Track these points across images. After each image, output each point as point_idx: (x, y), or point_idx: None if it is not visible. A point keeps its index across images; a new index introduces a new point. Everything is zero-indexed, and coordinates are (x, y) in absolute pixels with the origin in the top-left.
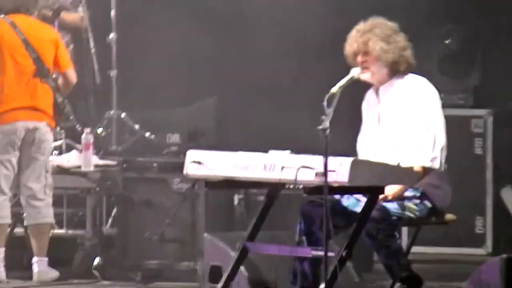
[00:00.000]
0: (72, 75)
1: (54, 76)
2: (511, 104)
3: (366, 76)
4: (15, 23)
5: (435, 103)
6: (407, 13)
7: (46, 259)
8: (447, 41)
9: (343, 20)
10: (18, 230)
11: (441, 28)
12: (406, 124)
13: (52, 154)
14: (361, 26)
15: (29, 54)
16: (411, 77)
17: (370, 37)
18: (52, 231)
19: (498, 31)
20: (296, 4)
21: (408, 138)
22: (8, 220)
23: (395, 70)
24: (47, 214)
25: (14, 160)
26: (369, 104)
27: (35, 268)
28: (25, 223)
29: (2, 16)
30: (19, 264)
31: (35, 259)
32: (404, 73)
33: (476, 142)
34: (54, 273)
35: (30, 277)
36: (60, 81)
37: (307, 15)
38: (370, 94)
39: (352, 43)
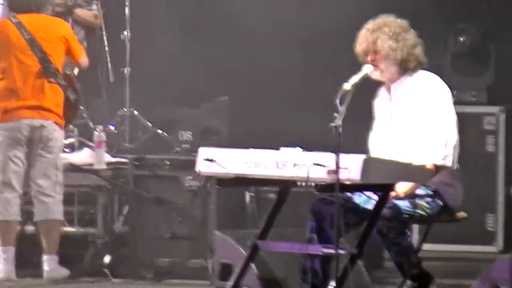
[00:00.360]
0: (85, 60)
1: (67, 72)
2: None
3: (376, 75)
4: (22, 23)
5: (446, 100)
6: (420, 10)
7: (56, 257)
8: (460, 38)
9: (352, 17)
10: (29, 228)
11: (454, 26)
12: (417, 121)
13: (62, 152)
14: (370, 24)
15: (34, 54)
16: (422, 74)
17: (379, 36)
18: (62, 228)
19: (511, 28)
20: (303, 2)
21: (420, 136)
22: (18, 217)
23: (405, 67)
24: (56, 211)
25: (22, 156)
26: (381, 101)
27: (45, 266)
28: (34, 219)
29: (10, 16)
30: (29, 262)
31: (45, 257)
32: (414, 70)
33: (488, 140)
34: (65, 271)
35: (40, 275)
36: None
37: (315, 13)
38: (382, 91)
39: (361, 42)
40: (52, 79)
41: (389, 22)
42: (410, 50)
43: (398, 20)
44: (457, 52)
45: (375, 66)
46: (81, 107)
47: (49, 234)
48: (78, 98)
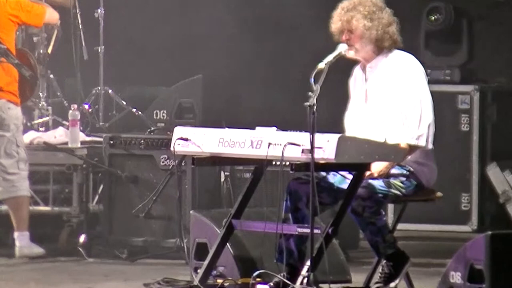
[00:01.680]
0: (52, 15)
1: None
2: (498, 80)
3: (351, 54)
4: None
5: (421, 80)
6: None
7: (27, 233)
8: (433, 17)
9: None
10: (3, 208)
11: (427, 5)
12: (392, 101)
13: (19, 129)
14: (345, 3)
15: None
16: (397, 54)
17: (353, 15)
18: (30, 204)
19: (485, 7)
20: None
21: (394, 116)
22: None
23: (380, 46)
24: (22, 187)
25: None
26: (356, 81)
27: (17, 243)
28: (0, 198)
29: None
30: (3, 242)
31: (16, 234)
32: (390, 49)
33: (462, 119)
34: (38, 249)
35: (14, 255)
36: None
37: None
38: (357, 71)
39: (336, 21)
40: (3, 59)
41: (364, 1)
42: (385, 28)
43: None
44: (431, 31)
45: (350, 45)
46: (38, 82)
47: (17, 211)
48: (33, 74)
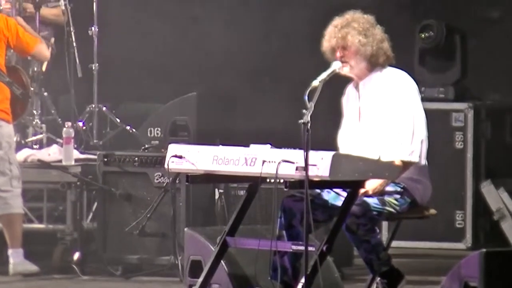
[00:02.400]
0: (42, 51)
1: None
2: (492, 98)
3: (345, 70)
4: None
5: (413, 96)
6: (386, 7)
7: (21, 250)
8: (424, 35)
9: (319, 14)
10: None
11: (420, 22)
12: (385, 118)
13: (11, 147)
14: (338, 21)
15: None
16: (390, 71)
17: (348, 31)
18: (23, 222)
19: (478, 24)
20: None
21: (387, 132)
22: None
23: (374, 63)
24: (15, 204)
25: None
26: (349, 99)
27: (11, 260)
28: None
29: None
30: None
31: (10, 251)
32: (383, 65)
33: (456, 136)
34: (32, 267)
35: (7, 273)
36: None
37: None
38: (350, 89)
39: (330, 38)
40: None
41: (357, 17)
42: (379, 44)
43: (365, 15)
44: (425, 48)
45: (345, 62)
46: (30, 100)
47: (11, 228)
48: (24, 92)
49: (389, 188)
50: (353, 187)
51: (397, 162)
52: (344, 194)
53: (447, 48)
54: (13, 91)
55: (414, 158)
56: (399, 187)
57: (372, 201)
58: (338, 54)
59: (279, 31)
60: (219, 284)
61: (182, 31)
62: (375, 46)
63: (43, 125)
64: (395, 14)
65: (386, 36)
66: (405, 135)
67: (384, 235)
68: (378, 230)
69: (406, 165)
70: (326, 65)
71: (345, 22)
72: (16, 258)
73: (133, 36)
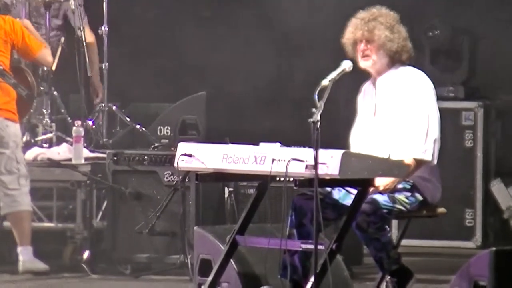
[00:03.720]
0: (46, 57)
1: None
2: (502, 97)
3: (367, 64)
4: None
5: (429, 96)
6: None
7: (30, 248)
8: (430, 34)
9: (327, 15)
10: (6, 224)
11: (428, 22)
12: (401, 115)
13: (18, 146)
14: (363, 14)
15: None
16: (408, 69)
17: (376, 25)
18: (32, 220)
19: (489, 24)
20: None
21: (401, 129)
22: None
23: (397, 59)
24: (23, 202)
25: None
26: (366, 95)
27: (20, 257)
28: (1, 213)
29: None
30: (7, 259)
31: (19, 249)
32: (405, 63)
33: (466, 135)
34: (42, 265)
35: (18, 272)
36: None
37: (293, 12)
38: (367, 86)
39: (354, 30)
40: (0, 79)
41: (384, 13)
42: (404, 42)
43: (391, 12)
44: (435, 47)
45: (366, 56)
46: (34, 101)
47: (19, 226)
48: (30, 93)
49: (399, 186)
50: (362, 185)
51: (410, 160)
52: (354, 192)
53: (455, 48)
54: (19, 92)
55: (427, 157)
56: (409, 185)
57: (382, 199)
58: (361, 47)
59: (289, 32)
60: (228, 283)
61: (191, 30)
62: (400, 43)
63: (53, 124)
64: (406, 12)
65: (408, 35)
66: (419, 134)
67: (394, 234)
68: (388, 229)
69: (419, 163)
70: (336, 64)
71: (372, 16)
72: (25, 256)
73: (143, 35)
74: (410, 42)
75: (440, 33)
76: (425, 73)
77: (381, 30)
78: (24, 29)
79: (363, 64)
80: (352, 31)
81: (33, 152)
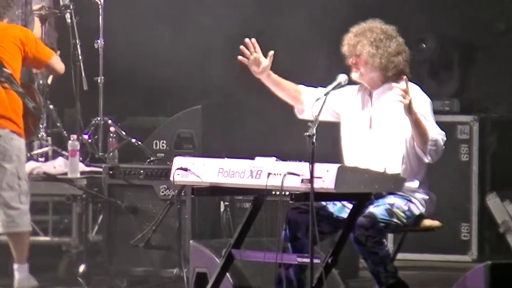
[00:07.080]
0: (57, 64)
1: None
2: (497, 110)
3: (355, 76)
4: None
5: (426, 111)
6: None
7: (26, 265)
8: (428, 46)
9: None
10: (2, 238)
11: (423, 34)
12: (395, 129)
13: (22, 161)
14: (356, 28)
15: None
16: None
17: (360, 40)
18: (30, 237)
19: (485, 36)
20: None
21: (397, 144)
22: None
23: (388, 74)
24: (22, 222)
25: None
26: (357, 103)
27: (16, 275)
28: (0, 230)
29: None
30: (3, 271)
31: (15, 266)
32: (394, 79)
33: (461, 149)
34: (34, 282)
35: (12, 286)
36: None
37: (288, 20)
38: (362, 94)
39: (344, 44)
40: (6, 84)
41: (373, 27)
42: (390, 58)
43: (385, 26)
44: (430, 60)
45: (357, 69)
46: (42, 116)
47: (17, 245)
48: (37, 106)
49: (397, 200)
50: (358, 199)
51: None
52: (350, 206)
53: (451, 60)
54: (26, 103)
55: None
56: (406, 199)
57: (380, 212)
58: (351, 60)
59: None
60: None
61: (188, 44)
62: (384, 58)
63: (49, 138)
64: (403, 24)
65: (404, 49)
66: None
67: (390, 247)
68: (386, 242)
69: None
70: (334, 75)
71: (361, 31)
72: (21, 274)
73: (139, 49)
74: (404, 56)
75: (430, 46)
76: (420, 85)
77: (363, 46)
78: (35, 37)
79: (353, 76)
80: (343, 44)
81: (29, 166)
